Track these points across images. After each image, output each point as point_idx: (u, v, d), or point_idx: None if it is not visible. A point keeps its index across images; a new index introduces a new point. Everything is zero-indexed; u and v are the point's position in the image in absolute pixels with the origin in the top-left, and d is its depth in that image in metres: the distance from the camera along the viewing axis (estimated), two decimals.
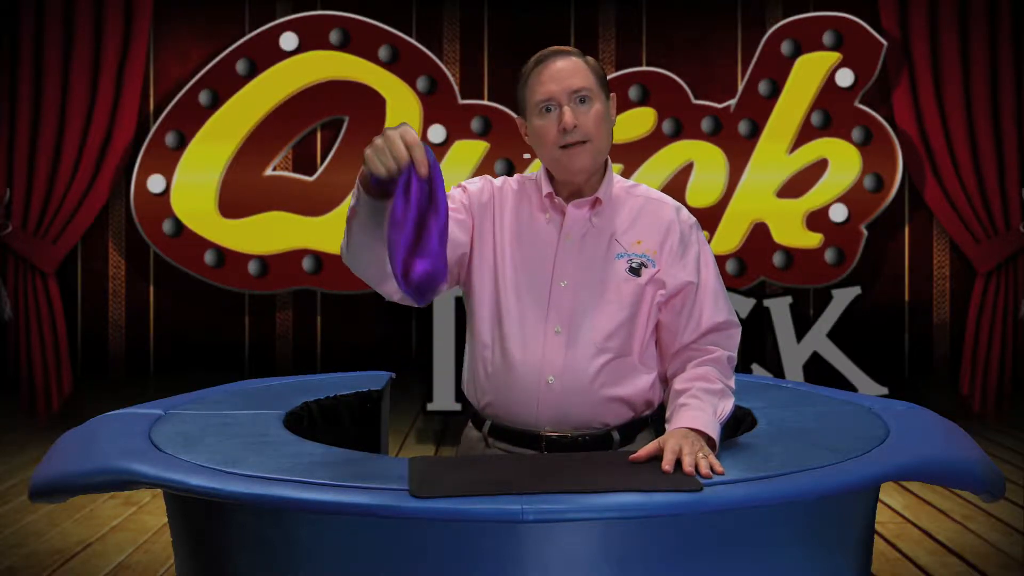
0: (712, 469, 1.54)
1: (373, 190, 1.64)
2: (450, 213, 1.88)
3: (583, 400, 1.85)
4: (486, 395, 1.92)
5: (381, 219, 1.67)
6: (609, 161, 1.93)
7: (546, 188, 1.90)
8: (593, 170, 1.88)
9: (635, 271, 1.86)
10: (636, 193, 1.94)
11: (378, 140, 1.57)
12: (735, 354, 1.89)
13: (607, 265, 1.87)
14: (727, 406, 1.79)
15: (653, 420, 1.98)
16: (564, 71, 1.83)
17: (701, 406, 1.73)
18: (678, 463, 1.57)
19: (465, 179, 2.00)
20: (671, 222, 1.90)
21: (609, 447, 1.87)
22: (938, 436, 1.86)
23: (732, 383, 1.86)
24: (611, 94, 1.90)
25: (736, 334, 1.90)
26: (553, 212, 1.90)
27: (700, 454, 1.58)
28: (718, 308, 1.88)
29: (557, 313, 1.85)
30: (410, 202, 1.56)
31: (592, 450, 1.85)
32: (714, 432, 1.68)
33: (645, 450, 1.63)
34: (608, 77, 7.17)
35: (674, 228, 1.90)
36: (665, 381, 1.92)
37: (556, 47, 1.89)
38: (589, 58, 1.89)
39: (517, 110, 1.92)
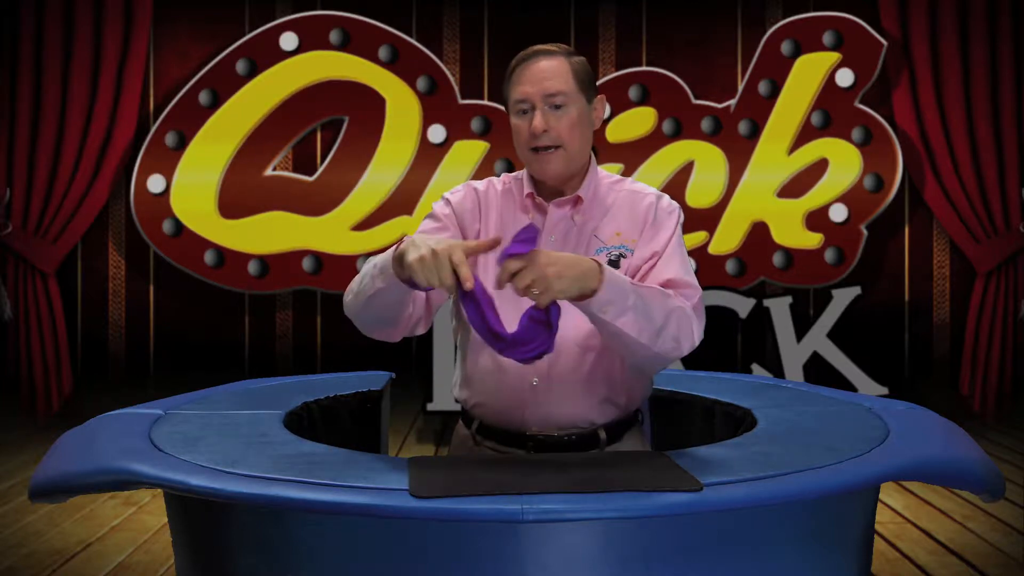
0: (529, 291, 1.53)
1: (403, 278, 1.64)
2: (436, 232, 1.88)
3: (568, 399, 1.85)
4: (474, 395, 1.92)
5: (402, 297, 1.72)
6: (593, 159, 1.91)
7: (527, 188, 1.89)
8: (567, 175, 1.86)
9: (614, 263, 1.84)
10: (619, 188, 1.92)
11: (426, 252, 1.53)
12: (687, 304, 1.75)
13: None
14: (649, 291, 1.69)
15: (640, 418, 1.98)
16: (542, 73, 1.81)
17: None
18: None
19: (465, 179, 1.99)
20: (649, 207, 1.87)
21: (596, 446, 1.87)
22: (938, 436, 1.86)
23: (677, 299, 1.73)
24: (598, 95, 1.87)
25: (692, 294, 1.78)
26: (535, 212, 1.89)
27: (537, 276, 1.53)
28: (670, 267, 1.80)
29: None
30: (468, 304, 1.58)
31: (579, 449, 1.85)
32: (608, 271, 1.62)
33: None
34: (608, 77, 7.08)
35: (651, 212, 1.87)
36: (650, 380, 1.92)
37: (542, 46, 1.85)
38: (575, 58, 1.85)
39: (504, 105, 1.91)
